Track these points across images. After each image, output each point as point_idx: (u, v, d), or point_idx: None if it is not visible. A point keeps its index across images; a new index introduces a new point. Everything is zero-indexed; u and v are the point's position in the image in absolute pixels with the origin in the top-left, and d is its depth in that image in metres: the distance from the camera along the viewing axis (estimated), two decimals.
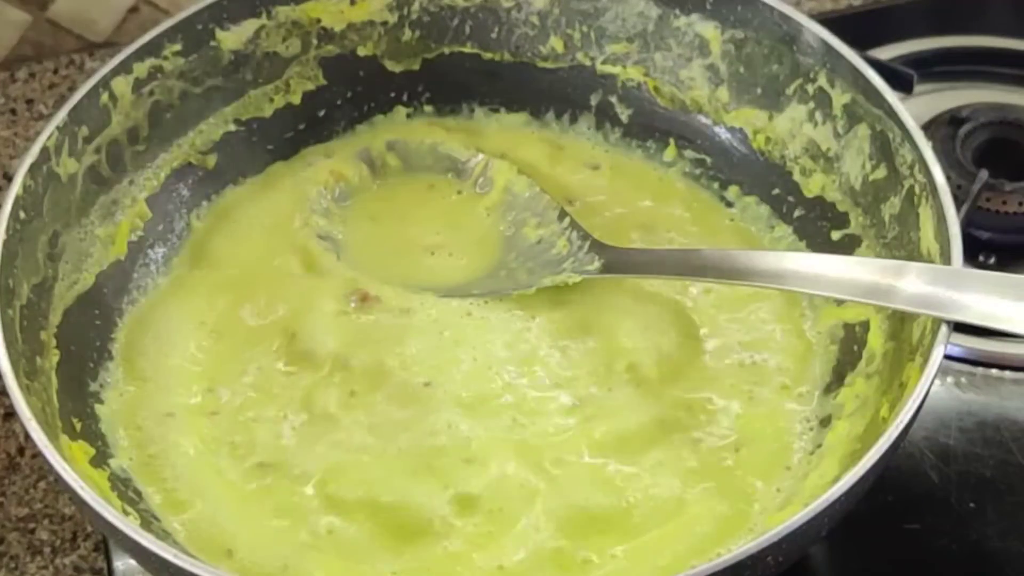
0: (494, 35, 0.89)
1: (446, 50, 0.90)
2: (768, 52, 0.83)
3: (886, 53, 0.99)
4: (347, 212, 0.87)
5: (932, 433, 0.81)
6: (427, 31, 0.89)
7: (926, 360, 0.66)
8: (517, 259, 0.83)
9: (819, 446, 0.74)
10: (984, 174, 0.89)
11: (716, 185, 0.87)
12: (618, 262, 0.80)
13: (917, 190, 0.74)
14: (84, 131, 0.79)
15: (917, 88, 0.91)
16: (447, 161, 0.88)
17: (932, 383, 0.65)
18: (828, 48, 0.80)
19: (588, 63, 0.89)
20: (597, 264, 0.80)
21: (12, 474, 0.84)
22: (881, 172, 0.77)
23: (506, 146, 0.89)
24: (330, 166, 0.88)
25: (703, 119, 0.87)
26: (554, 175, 0.88)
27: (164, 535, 0.70)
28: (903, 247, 0.75)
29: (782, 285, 0.73)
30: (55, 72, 1.06)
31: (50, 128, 0.76)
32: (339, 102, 0.90)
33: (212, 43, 0.84)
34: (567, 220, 0.83)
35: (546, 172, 0.88)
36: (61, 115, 0.77)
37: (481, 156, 0.87)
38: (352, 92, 0.90)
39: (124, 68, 0.80)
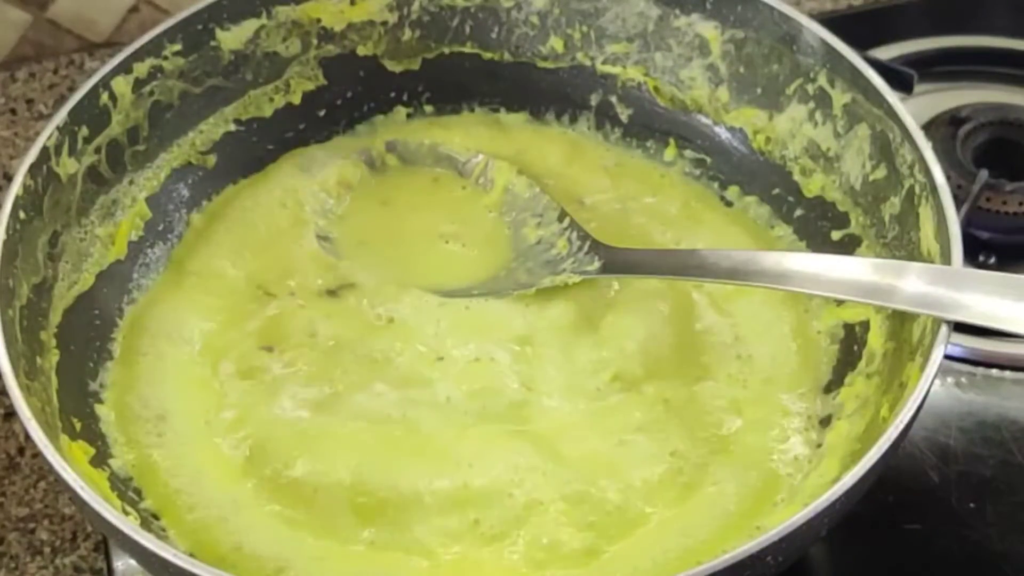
0: (494, 35, 0.89)
1: (446, 50, 0.90)
2: (768, 52, 0.83)
3: (886, 53, 0.99)
4: (347, 211, 0.87)
5: (932, 433, 0.81)
6: (427, 31, 0.89)
7: (926, 360, 0.66)
8: (517, 259, 0.83)
9: (819, 446, 0.74)
10: (984, 174, 0.89)
11: (716, 185, 0.87)
12: (617, 262, 0.80)
13: (917, 190, 0.74)
14: (84, 131, 0.79)
15: (917, 88, 0.91)
16: (447, 161, 0.88)
17: (932, 383, 0.65)
18: (828, 48, 0.79)
19: (588, 63, 0.89)
20: (596, 264, 0.80)
21: (12, 474, 0.84)
22: (881, 172, 0.77)
23: (523, 143, 0.89)
24: (330, 166, 0.88)
25: (703, 119, 0.87)
26: (567, 174, 0.88)
27: (164, 535, 0.71)
28: (903, 247, 0.75)
29: (782, 285, 0.73)
30: (55, 72, 1.06)
31: (50, 128, 0.76)
32: (339, 102, 0.90)
33: (212, 43, 0.84)
34: (567, 220, 0.83)
35: (559, 171, 0.88)
36: (61, 115, 0.77)
37: (481, 156, 0.87)
38: (352, 92, 0.90)
39: (124, 68, 0.80)
